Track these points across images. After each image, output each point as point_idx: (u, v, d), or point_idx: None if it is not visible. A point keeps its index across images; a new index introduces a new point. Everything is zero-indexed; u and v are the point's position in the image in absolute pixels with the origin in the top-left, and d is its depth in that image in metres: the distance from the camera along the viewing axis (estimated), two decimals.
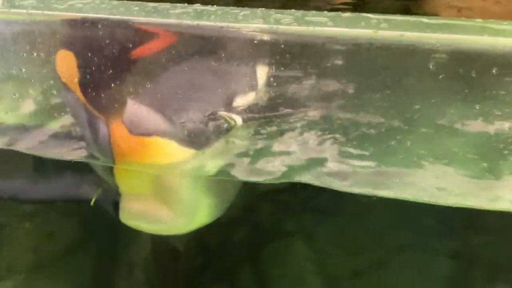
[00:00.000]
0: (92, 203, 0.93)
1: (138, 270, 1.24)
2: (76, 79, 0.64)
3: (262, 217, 1.18)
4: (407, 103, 0.60)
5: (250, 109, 0.65)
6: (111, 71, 0.63)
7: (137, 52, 0.61)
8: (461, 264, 1.13)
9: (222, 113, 0.65)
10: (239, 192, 0.95)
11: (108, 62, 0.62)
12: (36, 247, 1.21)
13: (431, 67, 0.55)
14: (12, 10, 0.66)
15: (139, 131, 0.65)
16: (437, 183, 0.65)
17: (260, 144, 0.66)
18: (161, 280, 1.22)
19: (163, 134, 0.65)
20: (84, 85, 0.64)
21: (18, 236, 1.23)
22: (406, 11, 1.16)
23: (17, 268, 1.21)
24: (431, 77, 0.56)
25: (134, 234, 1.21)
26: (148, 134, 0.65)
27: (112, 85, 0.63)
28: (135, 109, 0.65)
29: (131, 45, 0.60)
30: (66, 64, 0.65)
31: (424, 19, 0.55)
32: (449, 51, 0.53)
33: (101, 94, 0.64)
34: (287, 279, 1.21)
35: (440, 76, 0.56)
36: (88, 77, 0.63)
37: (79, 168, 0.92)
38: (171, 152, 0.66)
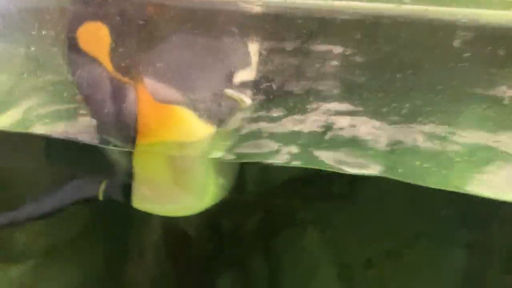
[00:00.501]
0: (100, 197, 0.93)
1: (149, 254, 1.24)
2: (106, 50, 0.64)
3: (275, 204, 1.17)
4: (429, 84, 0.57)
5: (258, 87, 0.64)
6: (139, 36, 0.64)
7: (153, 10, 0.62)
8: (478, 254, 1.11)
9: (232, 91, 0.64)
10: (253, 179, 0.95)
11: (136, 28, 0.63)
12: (48, 231, 1.22)
13: (455, 44, 0.52)
14: None
15: (162, 97, 0.65)
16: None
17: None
18: (172, 265, 1.22)
19: (184, 104, 0.64)
20: (115, 53, 0.65)
21: None
22: None
23: (29, 253, 1.22)
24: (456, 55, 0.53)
25: (145, 218, 1.20)
26: (170, 101, 0.65)
27: (140, 50, 0.65)
28: (158, 77, 0.65)
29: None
30: (95, 36, 0.65)
31: None
32: (476, 27, 0.50)
33: (131, 60, 0.65)
34: (300, 266, 1.20)
35: (465, 55, 0.53)
36: (119, 45, 0.64)
37: (80, 169, 0.94)
38: (192, 125, 0.66)
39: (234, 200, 0.97)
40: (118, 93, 0.67)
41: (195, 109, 0.64)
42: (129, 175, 0.84)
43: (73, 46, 0.67)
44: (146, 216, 1.17)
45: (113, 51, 0.64)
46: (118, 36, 0.63)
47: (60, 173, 1.09)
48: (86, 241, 1.24)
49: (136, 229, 1.24)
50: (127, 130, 0.68)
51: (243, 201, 0.95)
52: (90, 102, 0.71)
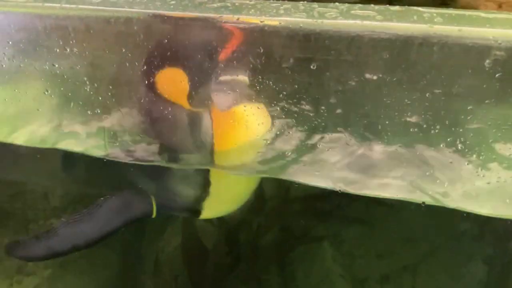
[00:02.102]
0: (154, 215, 0.92)
1: (165, 267, 1.23)
2: (185, 94, 0.71)
3: (291, 220, 1.17)
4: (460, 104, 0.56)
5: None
6: (211, 78, 0.68)
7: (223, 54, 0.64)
8: (495, 269, 1.10)
9: None
10: (271, 195, 0.98)
11: (209, 71, 0.67)
12: None
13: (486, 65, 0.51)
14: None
15: (225, 105, 0.71)
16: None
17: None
18: (188, 277, 1.21)
19: (242, 101, 0.69)
20: (192, 96, 0.71)
21: None
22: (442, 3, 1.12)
23: (44, 264, 1.22)
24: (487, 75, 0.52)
25: (160, 230, 1.20)
26: (231, 105, 0.71)
27: (212, 87, 0.69)
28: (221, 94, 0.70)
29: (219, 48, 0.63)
30: (175, 82, 0.70)
31: (482, 13, 0.51)
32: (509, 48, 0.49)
33: (206, 96, 0.71)
34: (314, 281, 1.19)
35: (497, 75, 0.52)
36: (197, 88, 0.70)
37: (129, 189, 0.94)
38: (254, 118, 0.70)
39: (252, 215, 0.97)
40: (195, 121, 0.74)
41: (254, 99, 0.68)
42: (203, 188, 0.89)
43: (150, 88, 0.71)
44: (161, 228, 1.17)
45: (190, 95, 0.70)
46: (195, 81, 0.69)
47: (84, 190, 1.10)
48: (101, 253, 1.24)
49: (150, 242, 1.24)
50: (206, 145, 0.75)
51: (260, 217, 0.96)
52: (165, 134, 0.78)
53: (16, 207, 1.24)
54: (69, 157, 0.86)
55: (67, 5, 0.66)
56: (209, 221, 1.15)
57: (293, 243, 1.16)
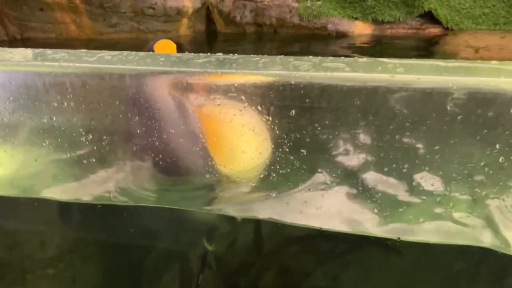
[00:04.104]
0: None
1: None
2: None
3: (288, 261, 1.17)
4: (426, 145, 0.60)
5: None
6: None
7: None
8: None
9: None
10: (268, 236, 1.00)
11: None
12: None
13: (449, 108, 0.56)
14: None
15: None
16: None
17: None
18: None
19: None
20: None
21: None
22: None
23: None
24: (450, 118, 0.56)
25: (157, 276, 1.20)
26: None
27: None
28: None
29: None
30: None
31: (441, 63, 0.56)
32: (466, 93, 0.54)
33: None
34: None
35: (459, 117, 0.56)
36: None
37: None
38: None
39: (251, 256, 0.98)
40: None
41: None
42: None
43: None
44: (161, 274, 1.18)
45: None
46: None
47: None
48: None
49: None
50: None
51: (258, 258, 0.96)
52: None
53: (14, 257, 1.25)
54: (65, 206, 0.89)
55: (65, 64, 0.71)
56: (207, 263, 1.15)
57: (290, 283, 1.16)
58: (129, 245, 1.01)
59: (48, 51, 0.76)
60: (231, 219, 0.90)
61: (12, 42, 3.18)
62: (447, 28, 2.79)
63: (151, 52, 0.71)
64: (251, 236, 1.01)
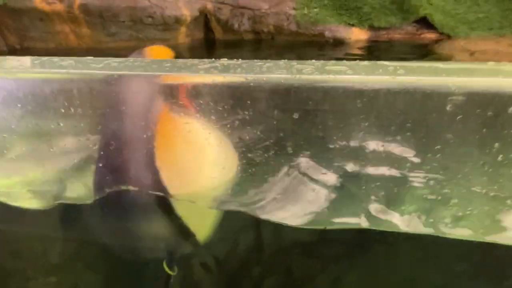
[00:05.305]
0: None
1: None
2: None
3: (291, 263, 1.18)
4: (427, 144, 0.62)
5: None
6: None
7: None
8: None
9: None
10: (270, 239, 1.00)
11: None
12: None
13: (448, 108, 0.57)
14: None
15: None
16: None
17: None
18: None
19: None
20: None
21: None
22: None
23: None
24: (449, 118, 0.58)
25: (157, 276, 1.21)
26: None
27: None
28: None
29: None
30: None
31: (440, 64, 0.58)
32: (465, 94, 0.56)
33: None
34: None
35: (458, 117, 0.58)
36: None
37: None
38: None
39: (253, 259, 0.99)
40: None
41: None
42: None
43: None
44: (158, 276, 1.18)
45: None
46: None
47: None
48: None
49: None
50: None
51: (260, 260, 0.97)
52: None
53: (16, 264, 1.26)
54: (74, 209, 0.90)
55: (73, 70, 0.73)
56: (206, 267, 1.16)
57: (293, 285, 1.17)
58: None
59: (55, 59, 0.77)
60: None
61: (12, 52, 3.19)
62: (442, 33, 2.82)
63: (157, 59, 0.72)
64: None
